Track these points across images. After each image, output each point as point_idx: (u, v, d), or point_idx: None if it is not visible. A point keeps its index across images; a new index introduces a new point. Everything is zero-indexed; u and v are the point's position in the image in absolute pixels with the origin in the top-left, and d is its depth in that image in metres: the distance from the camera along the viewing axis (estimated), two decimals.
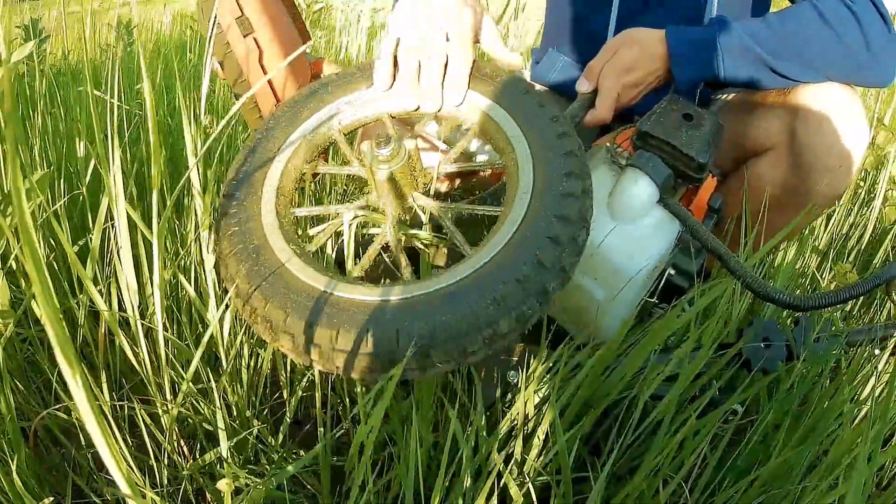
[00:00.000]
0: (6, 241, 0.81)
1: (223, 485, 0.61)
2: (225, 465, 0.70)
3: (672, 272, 0.88)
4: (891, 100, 2.26)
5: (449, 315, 0.63)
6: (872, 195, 1.68)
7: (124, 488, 0.40)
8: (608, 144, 0.92)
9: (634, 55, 0.97)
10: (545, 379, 0.76)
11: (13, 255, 0.82)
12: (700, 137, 0.86)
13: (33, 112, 1.16)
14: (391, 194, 0.81)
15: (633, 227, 0.86)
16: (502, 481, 0.68)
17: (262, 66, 0.94)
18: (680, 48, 0.97)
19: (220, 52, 0.96)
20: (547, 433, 0.71)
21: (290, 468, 0.65)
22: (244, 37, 0.92)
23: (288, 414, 0.80)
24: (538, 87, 1.35)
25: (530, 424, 0.75)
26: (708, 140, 0.87)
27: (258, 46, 0.94)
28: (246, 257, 0.72)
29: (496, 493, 0.66)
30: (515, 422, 0.74)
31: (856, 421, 0.85)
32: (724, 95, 1.19)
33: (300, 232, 0.81)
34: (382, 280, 0.86)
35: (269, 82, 0.95)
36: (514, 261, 0.66)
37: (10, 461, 0.66)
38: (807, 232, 1.44)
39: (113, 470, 0.39)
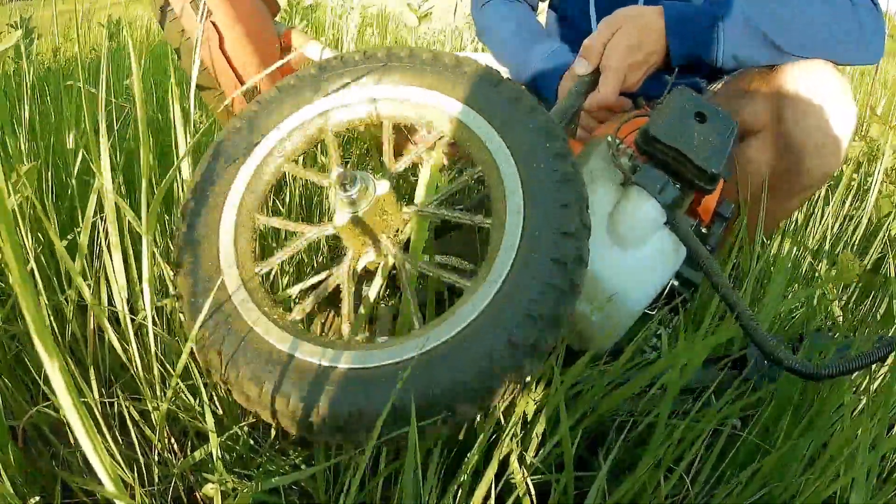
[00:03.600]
0: None
1: (210, 489, 0.60)
2: (213, 465, 0.69)
3: (675, 282, 0.83)
4: (882, 90, 2.26)
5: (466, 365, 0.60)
6: (866, 187, 1.68)
7: (108, 486, 0.39)
8: (609, 138, 0.82)
9: (639, 31, 0.93)
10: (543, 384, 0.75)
11: None
12: (714, 144, 0.76)
13: (20, 105, 1.13)
14: (354, 239, 0.74)
15: (635, 251, 0.78)
16: (501, 480, 0.67)
17: (224, 52, 0.86)
18: (678, 22, 0.95)
19: (176, 40, 0.88)
20: (545, 429, 0.70)
21: (275, 480, 0.64)
22: (200, 21, 0.84)
23: None
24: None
25: (528, 417, 0.74)
26: (722, 147, 0.77)
27: (217, 31, 0.85)
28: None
29: (494, 492, 0.65)
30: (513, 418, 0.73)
31: (855, 412, 0.84)
32: (714, 86, 1.18)
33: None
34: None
35: (231, 65, 0.87)
36: (522, 290, 0.62)
37: None
38: (801, 225, 1.43)
39: (96, 466, 0.37)
